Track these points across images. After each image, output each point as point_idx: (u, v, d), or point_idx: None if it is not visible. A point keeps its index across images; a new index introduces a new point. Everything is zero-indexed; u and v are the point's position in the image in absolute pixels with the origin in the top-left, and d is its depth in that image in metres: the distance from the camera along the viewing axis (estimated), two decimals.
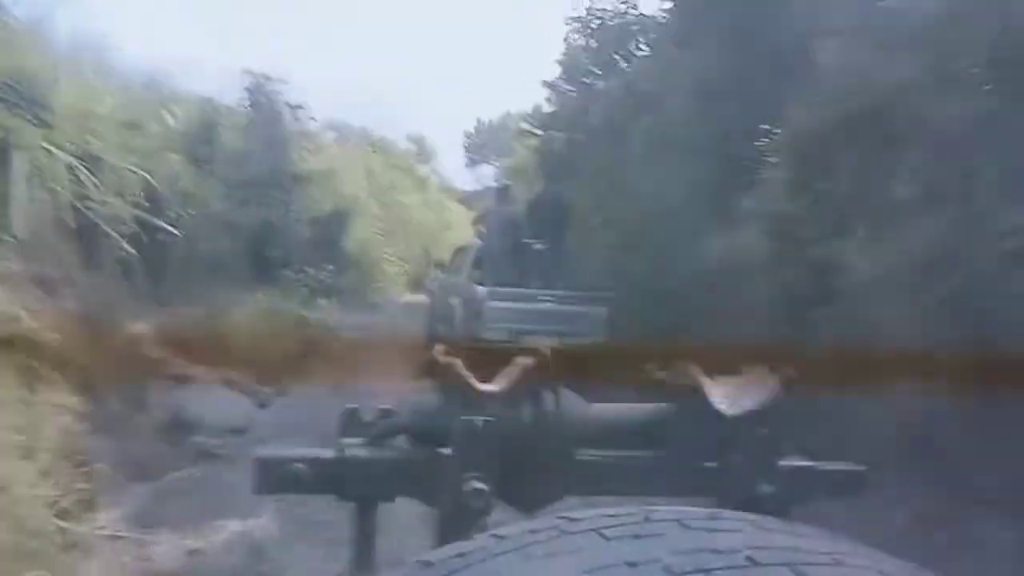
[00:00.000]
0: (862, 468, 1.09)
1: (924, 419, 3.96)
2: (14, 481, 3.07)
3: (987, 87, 4.17)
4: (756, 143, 7.51)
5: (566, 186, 12.17)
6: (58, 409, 3.86)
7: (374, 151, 17.99)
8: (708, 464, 0.98)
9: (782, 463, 0.99)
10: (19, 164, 5.62)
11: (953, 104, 4.12)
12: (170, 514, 3.78)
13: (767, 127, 7.42)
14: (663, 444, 0.99)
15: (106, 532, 3.39)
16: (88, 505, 3.47)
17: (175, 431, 4.82)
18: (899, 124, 4.54)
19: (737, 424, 0.95)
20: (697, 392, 0.96)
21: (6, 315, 4.07)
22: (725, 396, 0.96)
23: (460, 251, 10.11)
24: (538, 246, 8.19)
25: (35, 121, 5.94)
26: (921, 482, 3.81)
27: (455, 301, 8.14)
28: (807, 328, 4.64)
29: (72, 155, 6.35)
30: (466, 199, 25.25)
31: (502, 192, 10.06)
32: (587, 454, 0.99)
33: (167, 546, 3.45)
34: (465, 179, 33.53)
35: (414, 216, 18.06)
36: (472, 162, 35.91)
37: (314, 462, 0.93)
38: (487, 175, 32.29)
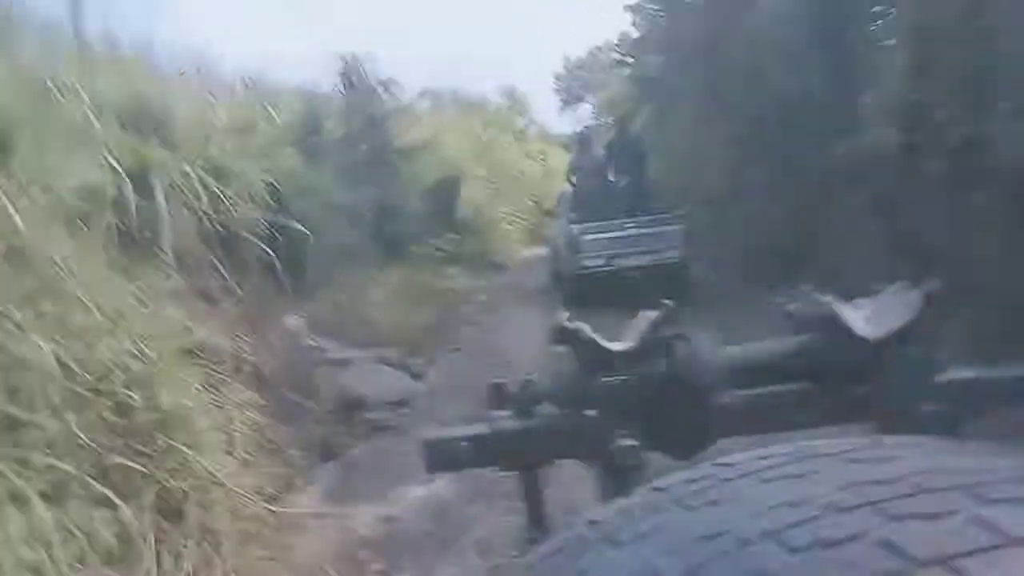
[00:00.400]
0: None
1: None
2: (224, 475, 3.41)
3: None
4: (870, 28, 7.01)
5: (667, 110, 11.86)
6: (243, 406, 4.22)
7: (469, 112, 18.03)
8: (859, 390, 0.93)
9: (942, 378, 0.92)
10: (158, 187, 6.03)
11: None
12: (359, 487, 4.09)
13: (879, 9, 6.90)
14: (808, 377, 0.96)
15: (309, 510, 3.71)
16: (288, 488, 3.81)
17: (345, 411, 5.16)
18: None
19: (883, 347, 0.89)
20: (833, 321, 0.92)
21: (182, 327, 4.45)
22: (866, 319, 0.91)
23: (561, 197, 11.11)
24: (621, 183, 9.41)
25: (162, 144, 6.36)
26: None
27: (560, 242, 9.33)
28: (956, 224, 4.34)
29: (200, 169, 6.77)
30: (567, 143, 25.00)
31: (584, 138, 11.25)
32: (730, 396, 0.97)
33: (364, 516, 3.74)
34: (563, 122, 33.13)
35: (520, 169, 18.04)
36: (566, 103, 35.33)
37: (473, 438, 0.97)
38: (585, 114, 31.77)
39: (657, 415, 0.94)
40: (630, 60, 13.71)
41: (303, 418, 4.70)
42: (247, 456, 3.79)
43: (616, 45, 14.89)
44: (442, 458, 0.98)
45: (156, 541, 2.84)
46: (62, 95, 5.40)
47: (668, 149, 10.82)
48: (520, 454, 0.99)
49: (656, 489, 0.58)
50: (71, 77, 5.68)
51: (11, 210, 3.37)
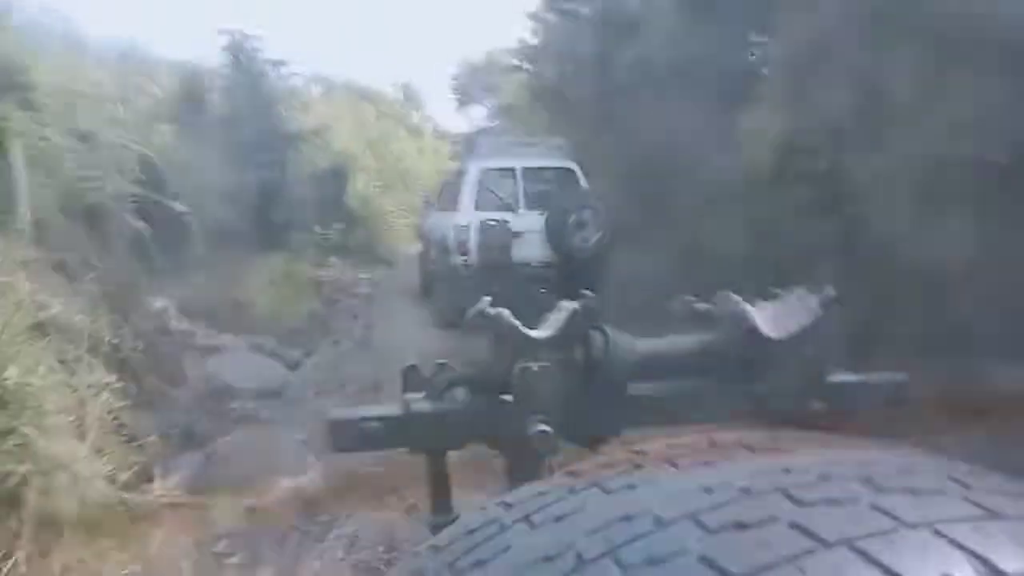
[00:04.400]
0: (906, 377, 1.10)
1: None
2: (72, 460, 3.19)
3: None
4: (749, 57, 7.44)
5: (558, 119, 12.13)
6: (99, 388, 3.96)
7: (362, 102, 17.72)
8: (757, 387, 1.00)
9: (829, 379, 1.01)
10: (16, 151, 5.57)
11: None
12: (222, 477, 3.92)
13: (759, 40, 7.33)
14: (712, 372, 1.02)
15: (165, 500, 3.53)
16: (144, 476, 3.60)
17: (212, 399, 4.94)
18: (893, 24, 4.48)
19: (783, 346, 0.97)
20: (740, 318, 0.98)
21: (34, 302, 4.13)
22: (768, 320, 0.98)
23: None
24: None
25: (23, 104, 5.88)
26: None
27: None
28: (820, 243, 4.68)
29: (64, 135, 6.31)
30: (460, 142, 24.97)
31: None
32: (639, 388, 1.02)
33: (225, 508, 3.59)
34: (458, 122, 33.11)
35: (411, 165, 17.90)
36: (462, 104, 35.33)
37: (384, 419, 0.98)
38: (479, 115, 31.93)
39: (571, 403, 0.96)
40: (527, 67, 13.91)
41: (165, 404, 4.47)
42: (100, 441, 3.55)
43: (514, 51, 15.02)
44: (350, 438, 0.98)
45: None
46: None
47: None
48: (433, 437, 1.00)
49: (572, 473, 0.60)
50: None
51: None
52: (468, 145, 9.24)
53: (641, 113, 7.92)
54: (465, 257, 7.38)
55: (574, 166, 8.24)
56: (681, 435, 0.62)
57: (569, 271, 7.09)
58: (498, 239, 7.38)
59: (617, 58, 8.65)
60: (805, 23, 5.39)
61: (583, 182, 8.12)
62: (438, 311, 7.50)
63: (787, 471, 0.52)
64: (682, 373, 1.04)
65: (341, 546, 3.40)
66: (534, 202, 7.71)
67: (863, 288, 4.10)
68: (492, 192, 7.74)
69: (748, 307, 1.00)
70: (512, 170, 7.89)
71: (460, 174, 8.35)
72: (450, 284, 7.29)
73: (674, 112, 7.16)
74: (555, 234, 7.39)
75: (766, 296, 1.04)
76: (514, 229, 7.47)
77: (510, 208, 7.69)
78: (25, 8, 7.87)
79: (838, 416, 0.97)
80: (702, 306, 1.06)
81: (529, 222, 7.52)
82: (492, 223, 7.45)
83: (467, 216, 7.52)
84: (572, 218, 7.40)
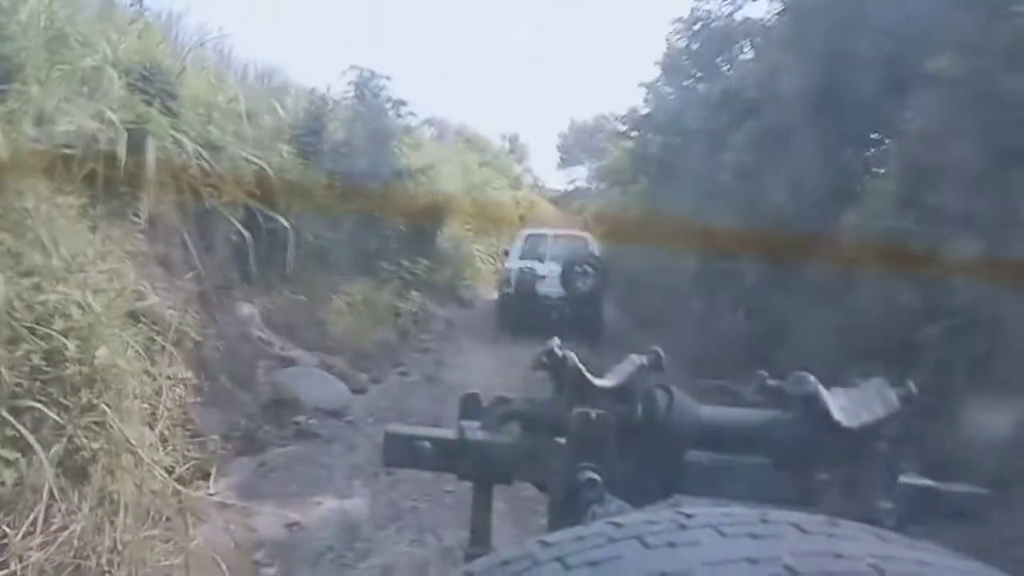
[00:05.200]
0: (986, 491, 1.01)
1: None
2: (139, 445, 3.32)
3: None
4: (863, 153, 7.27)
5: (660, 188, 12.19)
6: (175, 381, 4.13)
7: (469, 148, 18.23)
8: (822, 476, 0.95)
9: (901, 480, 0.95)
10: (148, 151, 5.98)
11: None
12: (272, 487, 4.00)
13: (876, 136, 7.16)
14: (776, 452, 0.97)
15: (216, 499, 3.62)
16: (200, 473, 3.72)
17: (277, 409, 5.06)
18: (1019, 138, 4.31)
19: (854, 437, 0.91)
20: (813, 402, 0.94)
21: (134, 291, 4.38)
22: (843, 408, 0.93)
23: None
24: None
25: (164, 110, 6.35)
26: None
27: None
28: (915, 346, 4.46)
29: (195, 143, 6.75)
30: (557, 199, 25.24)
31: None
32: (697, 455, 0.99)
33: (269, 517, 3.66)
34: (557, 179, 33.68)
35: (506, 215, 18.21)
36: (564, 162, 35.85)
37: (438, 441, 0.98)
38: (579, 175, 32.35)
39: (624, 457, 0.94)
40: (633, 134, 14.03)
41: (232, 407, 4.61)
42: (167, 432, 3.70)
43: (623, 117, 15.18)
44: (401, 454, 0.99)
45: (51, 495, 2.75)
46: (77, 44, 5.38)
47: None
48: (482, 467, 1.00)
49: (614, 524, 0.59)
50: (90, 29, 5.67)
51: None
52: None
53: (742, 193, 7.85)
54: (509, 289, 11.10)
55: (587, 235, 12.39)
56: (733, 507, 0.61)
57: (574, 303, 10.41)
58: (528, 279, 10.93)
59: (728, 137, 8.62)
60: (926, 126, 5.24)
61: (592, 246, 11.86)
62: (497, 319, 11.23)
63: (838, 557, 0.50)
64: (743, 448, 1.00)
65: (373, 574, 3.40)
66: (556, 257, 11.21)
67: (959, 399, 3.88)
68: (530, 248, 11.70)
69: (822, 390, 0.95)
70: (545, 235, 12.10)
71: (515, 235, 12.72)
72: (502, 304, 11.34)
73: (776, 197, 7.06)
74: (566, 278, 10.53)
75: (843, 382, 0.99)
76: (540, 273, 10.99)
77: (540, 259, 11.31)
78: (185, 22, 8.54)
79: (905, 521, 0.90)
80: (774, 383, 1.01)
81: (551, 269, 10.92)
82: (526, 269, 11.08)
83: (513, 263, 11.45)
84: (578, 269, 10.61)
